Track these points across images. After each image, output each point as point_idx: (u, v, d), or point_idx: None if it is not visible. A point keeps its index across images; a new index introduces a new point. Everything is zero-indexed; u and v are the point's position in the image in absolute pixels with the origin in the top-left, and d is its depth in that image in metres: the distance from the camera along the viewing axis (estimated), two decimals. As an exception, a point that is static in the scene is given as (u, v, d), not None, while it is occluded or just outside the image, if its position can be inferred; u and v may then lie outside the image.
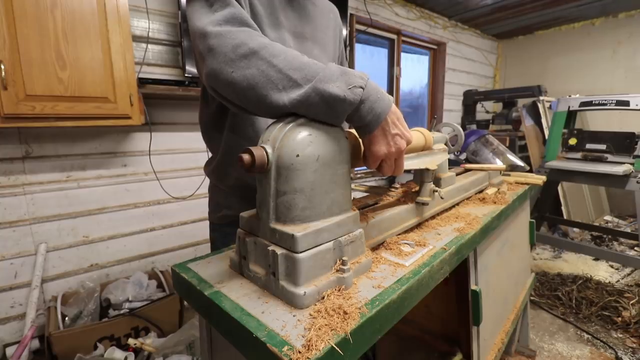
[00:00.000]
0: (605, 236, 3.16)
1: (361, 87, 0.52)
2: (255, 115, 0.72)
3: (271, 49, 0.54)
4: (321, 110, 0.52)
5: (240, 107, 0.60)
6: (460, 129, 0.96)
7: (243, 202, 0.85)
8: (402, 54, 3.51)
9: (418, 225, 0.80)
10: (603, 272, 2.55)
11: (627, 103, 2.22)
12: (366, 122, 0.54)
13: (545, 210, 2.87)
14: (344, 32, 2.67)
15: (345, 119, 0.54)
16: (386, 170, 0.60)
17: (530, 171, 2.28)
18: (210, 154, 0.93)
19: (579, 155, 2.49)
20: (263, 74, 0.53)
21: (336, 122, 0.54)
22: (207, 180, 0.98)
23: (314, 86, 0.51)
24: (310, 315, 0.46)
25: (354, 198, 0.77)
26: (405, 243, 0.70)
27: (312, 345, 0.39)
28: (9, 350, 1.61)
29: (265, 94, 0.53)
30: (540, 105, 3.38)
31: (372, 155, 0.57)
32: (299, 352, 0.38)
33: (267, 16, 0.77)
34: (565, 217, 3.20)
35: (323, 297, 0.49)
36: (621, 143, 2.30)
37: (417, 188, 0.82)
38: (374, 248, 0.68)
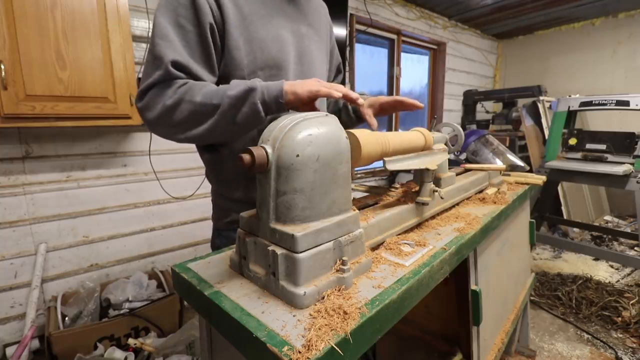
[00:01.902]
0: (605, 236, 3.16)
1: (252, 86, 0.68)
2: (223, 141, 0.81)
3: (189, 93, 0.68)
4: (247, 108, 0.68)
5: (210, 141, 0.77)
6: (460, 129, 0.96)
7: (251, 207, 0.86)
8: (402, 54, 3.51)
9: (418, 225, 0.80)
10: (603, 272, 2.55)
11: (627, 103, 2.22)
12: (272, 98, 0.69)
13: (545, 210, 2.87)
14: (344, 32, 2.67)
15: (265, 108, 0.69)
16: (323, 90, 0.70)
17: (530, 171, 2.28)
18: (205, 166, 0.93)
19: (579, 155, 2.49)
20: (192, 111, 0.69)
21: (258, 113, 0.69)
22: (209, 182, 0.97)
23: (229, 95, 0.68)
24: (310, 315, 0.46)
25: (354, 198, 0.77)
26: (405, 243, 0.70)
27: (312, 345, 0.39)
28: (9, 350, 1.61)
29: (203, 123, 0.70)
30: (540, 105, 3.38)
31: (303, 98, 0.70)
32: (299, 352, 0.38)
33: (258, 12, 0.79)
34: (565, 217, 3.20)
35: (323, 297, 0.49)
36: (621, 143, 2.30)
37: (417, 188, 0.82)
38: (374, 248, 0.68)
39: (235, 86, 0.69)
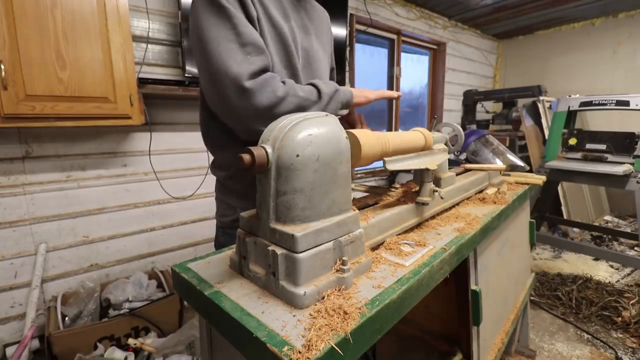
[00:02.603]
0: (605, 236, 3.16)
1: (337, 87, 0.83)
2: None
3: (292, 87, 0.75)
4: (334, 105, 0.82)
5: None
6: (460, 129, 0.96)
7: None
8: (402, 54, 3.51)
9: (418, 225, 0.80)
10: (603, 272, 2.55)
11: (627, 103, 2.22)
12: (347, 100, 0.85)
13: (545, 210, 2.87)
14: (344, 32, 2.67)
15: (341, 107, 0.85)
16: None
17: (530, 171, 2.28)
18: (212, 156, 0.93)
19: (579, 155, 2.49)
20: (298, 105, 0.75)
21: (338, 109, 0.84)
22: (208, 181, 0.97)
23: (325, 93, 0.79)
24: (310, 315, 0.46)
25: (354, 198, 0.77)
26: (405, 243, 0.70)
27: (312, 345, 0.39)
28: (9, 350, 1.61)
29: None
30: (540, 105, 3.38)
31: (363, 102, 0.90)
32: (299, 352, 0.38)
33: (278, 11, 0.82)
34: (565, 217, 3.20)
35: (323, 297, 0.49)
36: (621, 143, 2.30)
37: (417, 188, 0.82)
38: (374, 248, 0.68)
39: (326, 85, 0.80)
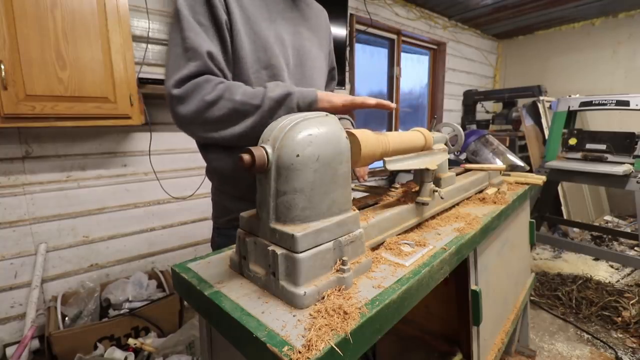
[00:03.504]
0: (605, 236, 3.16)
1: (290, 90, 0.73)
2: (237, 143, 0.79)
3: (228, 91, 0.69)
4: (283, 111, 0.71)
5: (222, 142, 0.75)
6: (460, 129, 0.96)
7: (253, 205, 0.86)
8: (402, 54, 3.51)
9: (418, 225, 0.80)
10: (603, 272, 2.55)
11: (627, 103, 2.22)
12: (307, 104, 0.73)
13: (545, 210, 2.87)
14: (344, 32, 2.68)
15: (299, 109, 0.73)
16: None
17: (530, 171, 2.28)
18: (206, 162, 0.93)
19: (579, 155, 2.49)
20: (232, 109, 0.69)
21: (302, 111, 0.71)
22: (208, 181, 0.97)
23: (268, 97, 0.70)
24: (311, 315, 0.46)
25: (354, 198, 0.77)
26: (405, 243, 0.70)
27: (312, 345, 0.39)
28: (9, 350, 1.61)
29: (240, 123, 0.71)
30: (540, 105, 3.38)
31: (335, 108, 0.76)
32: (299, 352, 0.38)
33: (260, 12, 0.81)
34: (565, 217, 3.20)
35: (323, 297, 0.49)
36: (621, 143, 2.30)
37: (417, 188, 0.82)
38: (374, 248, 0.68)
39: (274, 88, 0.72)
